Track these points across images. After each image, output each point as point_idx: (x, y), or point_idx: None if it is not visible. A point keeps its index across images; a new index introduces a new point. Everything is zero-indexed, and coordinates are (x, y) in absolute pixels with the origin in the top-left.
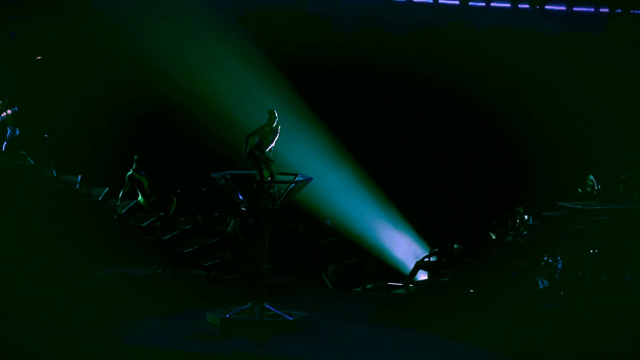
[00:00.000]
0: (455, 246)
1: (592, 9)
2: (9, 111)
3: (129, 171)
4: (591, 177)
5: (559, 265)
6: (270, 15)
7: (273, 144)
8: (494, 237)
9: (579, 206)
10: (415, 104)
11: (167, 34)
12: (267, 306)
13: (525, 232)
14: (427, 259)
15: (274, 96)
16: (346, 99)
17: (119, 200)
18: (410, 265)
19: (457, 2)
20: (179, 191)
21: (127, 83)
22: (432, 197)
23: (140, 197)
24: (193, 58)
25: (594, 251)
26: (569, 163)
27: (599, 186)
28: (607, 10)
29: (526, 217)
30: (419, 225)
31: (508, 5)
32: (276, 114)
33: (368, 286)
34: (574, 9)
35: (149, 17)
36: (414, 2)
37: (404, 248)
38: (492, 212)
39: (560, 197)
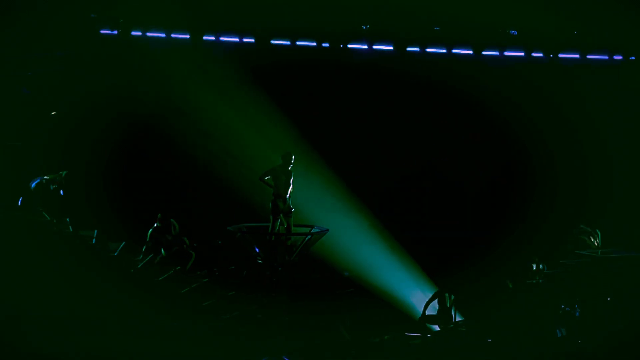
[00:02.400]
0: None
1: (606, 57)
2: None
3: (150, 229)
4: (597, 231)
5: (577, 314)
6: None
7: (291, 188)
8: (510, 286)
9: (596, 254)
10: (426, 154)
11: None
12: (285, 359)
13: (541, 281)
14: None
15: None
16: (352, 144)
17: (141, 255)
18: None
19: (471, 52)
20: (195, 244)
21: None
22: (448, 246)
23: (162, 251)
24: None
25: (611, 299)
26: (584, 212)
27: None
28: (620, 57)
29: (541, 266)
30: (435, 275)
31: (522, 54)
32: (292, 157)
33: (386, 337)
34: (588, 56)
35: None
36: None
37: (421, 297)
38: (509, 261)
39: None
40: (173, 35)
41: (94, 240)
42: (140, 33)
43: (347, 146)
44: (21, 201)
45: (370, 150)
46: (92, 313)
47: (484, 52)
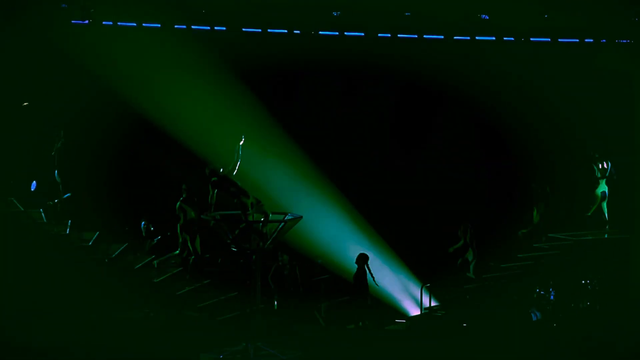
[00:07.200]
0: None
1: (577, 40)
2: None
3: (178, 202)
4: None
5: (551, 297)
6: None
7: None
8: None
9: (569, 238)
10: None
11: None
12: (261, 346)
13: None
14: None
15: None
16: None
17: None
18: (401, 299)
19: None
20: (169, 233)
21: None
22: (422, 230)
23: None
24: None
25: (586, 282)
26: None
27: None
28: (591, 40)
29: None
30: (409, 259)
31: (492, 38)
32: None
33: (360, 323)
34: (559, 40)
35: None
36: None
37: (395, 283)
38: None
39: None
40: (145, 25)
41: (67, 230)
42: (111, 23)
43: (323, 134)
44: None
45: (347, 136)
46: (60, 304)
47: (455, 37)
